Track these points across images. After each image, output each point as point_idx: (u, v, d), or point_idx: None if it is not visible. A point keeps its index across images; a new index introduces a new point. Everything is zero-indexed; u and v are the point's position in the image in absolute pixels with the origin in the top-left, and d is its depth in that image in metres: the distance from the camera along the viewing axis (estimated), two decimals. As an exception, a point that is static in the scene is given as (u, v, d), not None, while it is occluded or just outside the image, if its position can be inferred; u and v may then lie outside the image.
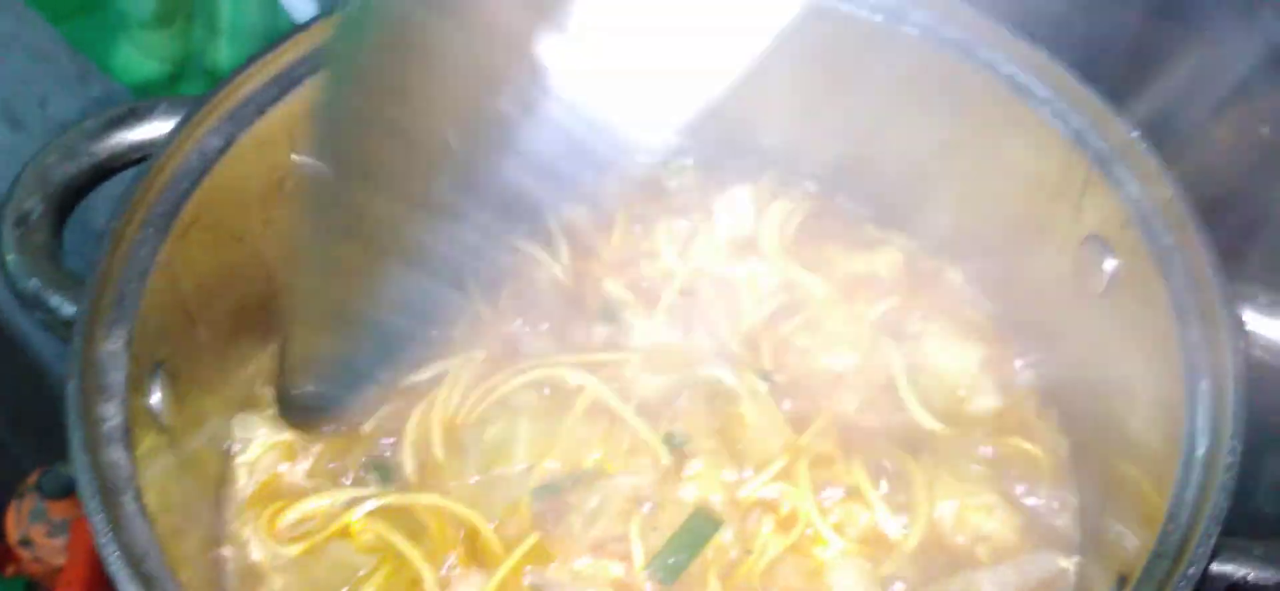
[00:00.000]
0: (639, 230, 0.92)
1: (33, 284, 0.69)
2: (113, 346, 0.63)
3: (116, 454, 0.58)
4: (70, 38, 1.27)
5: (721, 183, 0.93)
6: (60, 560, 1.47)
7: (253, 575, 0.73)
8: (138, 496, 0.57)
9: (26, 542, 1.52)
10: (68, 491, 1.51)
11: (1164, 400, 0.65)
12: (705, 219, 0.91)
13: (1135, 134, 0.68)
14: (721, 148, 0.93)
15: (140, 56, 1.24)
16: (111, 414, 0.60)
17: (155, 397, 0.66)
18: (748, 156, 0.93)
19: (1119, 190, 0.69)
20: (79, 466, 0.55)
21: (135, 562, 0.53)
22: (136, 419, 0.62)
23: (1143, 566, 0.56)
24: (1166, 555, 0.56)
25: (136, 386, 0.63)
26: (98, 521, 0.54)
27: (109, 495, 0.56)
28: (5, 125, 1.63)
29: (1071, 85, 0.71)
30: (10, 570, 1.46)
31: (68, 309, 0.68)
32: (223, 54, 1.16)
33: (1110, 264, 0.71)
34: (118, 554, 0.53)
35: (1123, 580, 0.61)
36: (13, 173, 1.72)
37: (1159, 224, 0.67)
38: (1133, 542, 0.65)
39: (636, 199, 0.93)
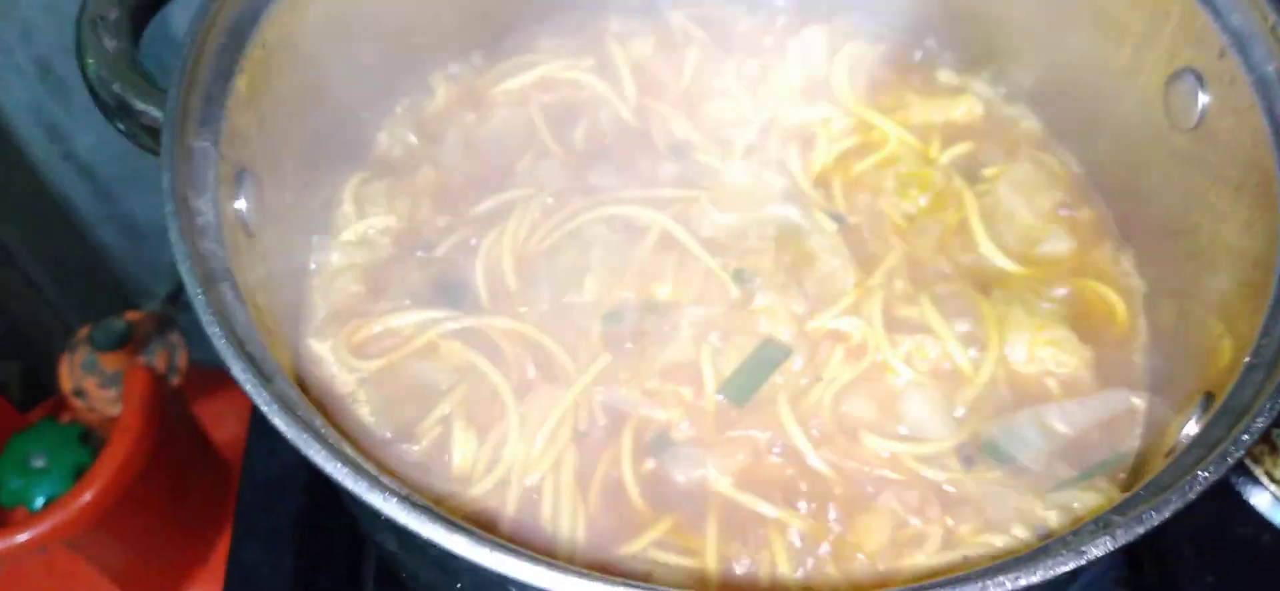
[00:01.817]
0: (710, 68, 0.91)
1: (116, 89, 0.69)
2: (202, 144, 0.63)
3: (211, 246, 0.59)
4: None
5: (795, 24, 0.91)
6: (113, 410, 1.51)
7: (334, 390, 0.74)
8: (234, 286, 0.58)
9: (80, 393, 1.56)
10: (119, 344, 1.54)
11: (1253, 232, 0.65)
12: (778, 60, 0.90)
13: (1239, -42, 0.66)
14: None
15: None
16: (204, 208, 0.61)
17: (241, 203, 0.67)
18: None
19: (1217, 18, 0.67)
20: (180, 255, 0.56)
21: (239, 345, 0.54)
22: (226, 218, 0.63)
23: (1234, 381, 0.56)
24: (1260, 365, 0.56)
25: (225, 186, 0.64)
26: (200, 302, 0.54)
27: (209, 283, 0.56)
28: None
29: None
30: (66, 417, 1.50)
31: (153, 115, 0.68)
32: None
33: (1203, 98, 0.70)
34: (223, 334, 0.54)
35: (1209, 397, 0.61)
36: (56, 29, 1.71)
37: (1259, 52, 0.65)
38: (1210, 373, 0.65)
39: (706, 38, 0.92)
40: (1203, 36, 0.68)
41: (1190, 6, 0.69)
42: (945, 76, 0.90)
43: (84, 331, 1.54)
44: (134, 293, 2.10)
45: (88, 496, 1.30)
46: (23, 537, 1.29)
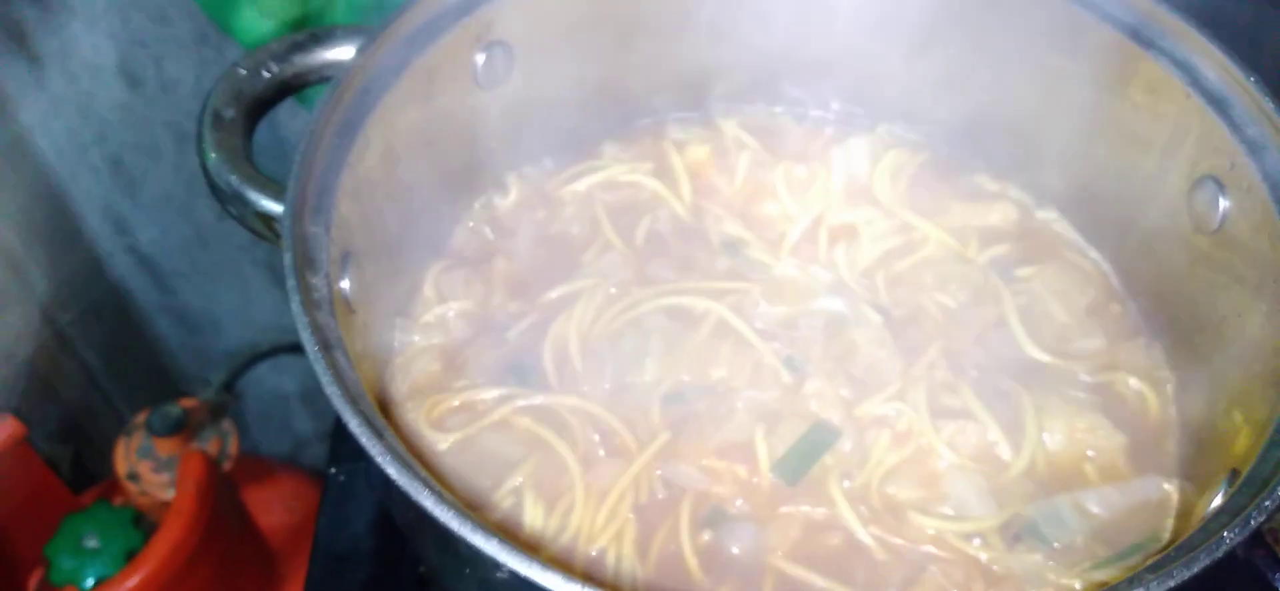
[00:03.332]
0: (760, 173, 0.98)
1: (232, 180, 0.77)
2: (315, 229, 0.70)
3: (326, 318, 0.66)
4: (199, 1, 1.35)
5: (840, 134, 0.99)
6: (165, 494, 1.56)
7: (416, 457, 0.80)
8: (345, 352, 0.64)
9: (134, 476, 1.61)
10: (175, 429, 1.60)
11: (1274, 324, 0.70)
12: (824, 166, 0.97)
13: (1252, 78, 0.73)
14: (840, 98, 1.00)
15: (261, 18, 1.31)
16: (319, 285, 0.67)
17: (345, 283, 0.73)
18: (866, 108, 0.99)
19: (1234, 131, 0.74)
20: (301, 323, 0.63)
21: (354, 402, 0.60)
22: (335, 295, 0.69)
23: (1256, 457, 0.61)
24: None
25: (334, 267, 0.71)
26: (320, 366, 0.61)
27: (326, 348, 0.63)
28: (123, 83, 1.73)
29: (1188, 32, 0.77)
30: (119, 500, 1.55)
31: (263, 204, 0.76)
32: (339, 14, 1.23)
33: (1224, 203, 0.76)
34: (341, 394, 0.60)
35: (1235, 473, 0.66)
36: (131, 130, 1.81)
37: (1273, 160, 0.72)
38: (1237, 453, 0.70)
39: (757, 145, 1.00)
40: (1221, 146, 0.75)
41: (1208, 119, 0.76)
42: (982, 181, 0.97)
43: (141, 417, 1.61)
44: (183, 382, 2.17)
45: (136, 579, 1.33)
46: (72, 617, 1.32)
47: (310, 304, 0.64)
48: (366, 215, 0.79)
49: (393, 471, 0.56)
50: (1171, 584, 0.52)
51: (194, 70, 1.69)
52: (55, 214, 1.85)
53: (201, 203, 1.87)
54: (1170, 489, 0.78)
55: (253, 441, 1.71)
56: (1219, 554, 0.53)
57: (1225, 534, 0.54)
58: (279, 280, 2.08)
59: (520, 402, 0.83)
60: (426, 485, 0.56)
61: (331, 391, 0.60)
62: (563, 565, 0.60)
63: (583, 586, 0.53)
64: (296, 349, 2.06)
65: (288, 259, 0.66)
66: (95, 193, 1.87)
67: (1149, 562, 0.55)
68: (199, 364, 2.16)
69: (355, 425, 0.58)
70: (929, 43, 0.92)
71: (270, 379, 2.09)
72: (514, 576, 0.54)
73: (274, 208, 0.75)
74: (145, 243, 1.97)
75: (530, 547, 0.56)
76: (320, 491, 1.79)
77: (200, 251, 1.95)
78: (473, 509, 0.68)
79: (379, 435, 0.59)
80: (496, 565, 0.56)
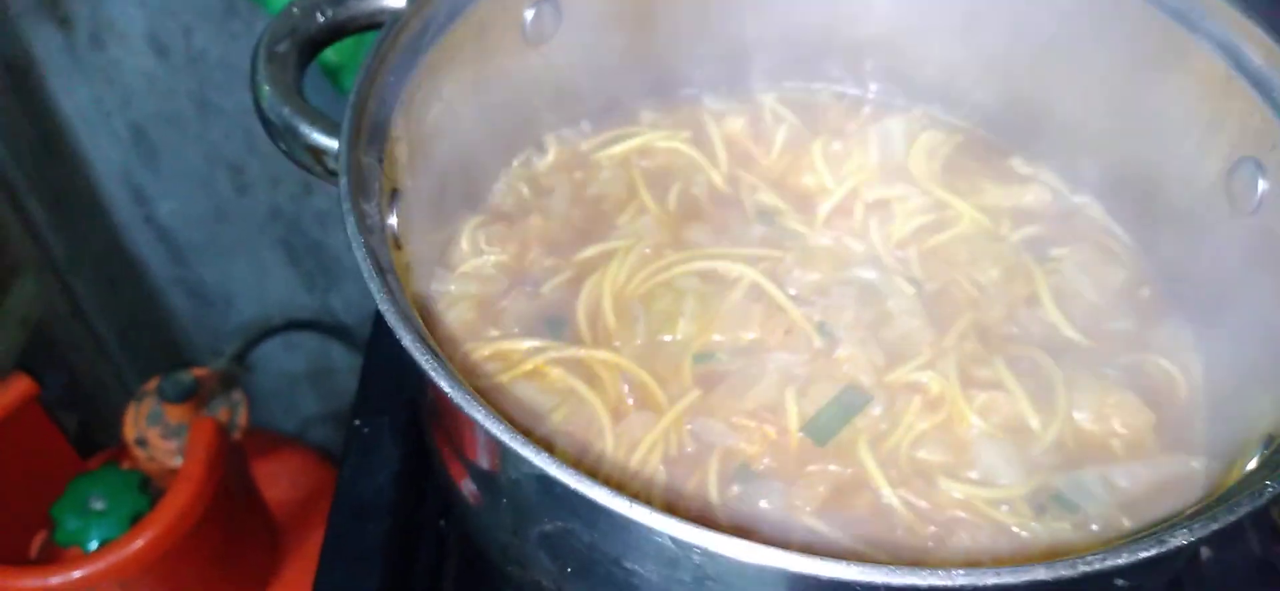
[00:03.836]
0: (797, 146, 0.99)
1: (284, 112, 0.77)
2: (370, 160, 0.71)
3: (378, 243, 0.66)
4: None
5: (877, 113, 1.00)
6: (172, 461, 1.56)
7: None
8: (396, 278, 0.65)
9: (142, 442, 1.62)
10: (186, 396, 1.61)
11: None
12: (860, 143, 0.98)
13: (1294, 58, 0.74)
14: (879, 78, 1.01)
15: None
16: (371, 212, 0.68)
17: (392, 220, 0.74)
18: (904, 88, 1.00)
19: (1277, 113, 0.75)
20: (356, 243, 0.63)
21: (407, 319, 0.61)
22: (386, 227, 0.70)
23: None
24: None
25: (384, 199, 0.71)
26: (375, 285, 0.61)
27: (381, 272, 0.63)
28: (152, 52, 1.74)
29: (1232, 14, 0.78)
30: (126, 465, 1.55)
31: (314, 137, 0.77)
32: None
33: (1262, 185, 0.77)
34: (395, 310, 0.60)
35: (1270, 438, 0.67)
36: (155, 99, 1.82)
37: (1314, 141, 0.73)
38: (1264, 433, 0.70)
39: (795, 120, 1.01)
40: (1263, 128, 0.76)
41: (1251, 101, 0.76)
42: (1016, 164, 0.98)
43: (153, 383, 1.61)
44: (193, 355, 2.17)
45: (142, 542, 1.33)
46: (78, 574, 1.32)
47: (364, 228, 0.65)
48: (414, 158, 0.80)
49: (445, 385, 0.57)
50: (1214, 527, 0.53)
51: (221, 42, 1.70)
52: (75, 180, 1.86)
53: (221, 176, 1.88)
54: (1197, 467, 0.79)
55: (260, 419, 1.71)
56: (1261, 501, 0.53)
57: (1268, 483, 0.54)
58: (294, 259, 2.11)
59: (553, 354, 0.84)
60: (478, 401, 0.56)
61: (385, 307, 0.60)
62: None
63: (632, 502, 0.53)
64: (309, 325, 2.08)
65: (343, 183, 0.67)
66: (116, 160, 1.88)
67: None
68: (210, 339, 2.17)
69: (408, 341, 0.59)
70: (969, 26, 0.93)
71: (279, 358, 2.09)
72: (569, 496, 0.54)
73: (325, 141, 0.76)
74: (163, 214, 1.97)
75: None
76: (326, 469, 1.80)
77: (218, 226, 1.96)
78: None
79: (432, 352, 0.59)
80: (542, 494, 0.57)
